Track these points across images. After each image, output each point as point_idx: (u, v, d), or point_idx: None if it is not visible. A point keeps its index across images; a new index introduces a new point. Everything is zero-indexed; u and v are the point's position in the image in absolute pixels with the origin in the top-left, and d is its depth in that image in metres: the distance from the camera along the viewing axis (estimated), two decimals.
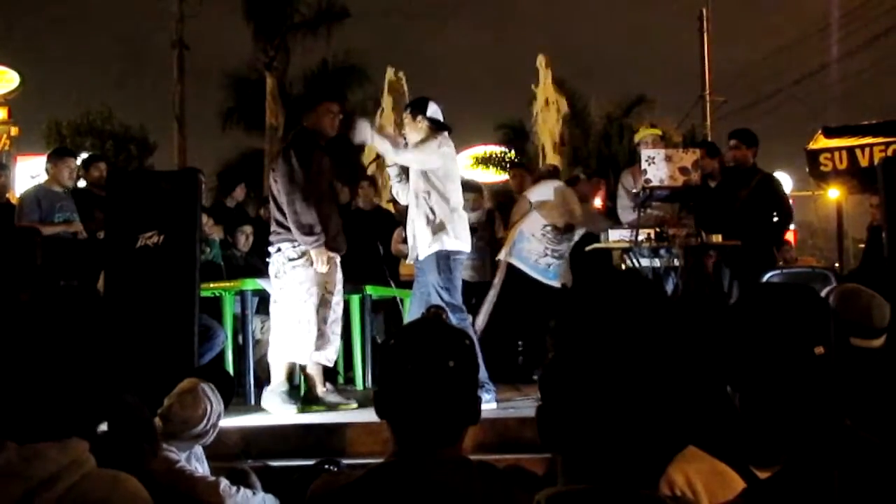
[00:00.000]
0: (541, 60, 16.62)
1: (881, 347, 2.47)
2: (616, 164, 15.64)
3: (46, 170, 6.47)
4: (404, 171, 5.02)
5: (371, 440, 3.94)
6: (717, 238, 5.70)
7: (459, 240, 4.80)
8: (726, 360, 1.52)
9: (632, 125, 16.17)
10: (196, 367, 4.27)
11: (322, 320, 4.78)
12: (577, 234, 6.19)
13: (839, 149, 8.99)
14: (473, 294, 6.05)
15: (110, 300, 4.36)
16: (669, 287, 5.72)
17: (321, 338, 4.77)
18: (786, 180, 19.21)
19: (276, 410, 4.63)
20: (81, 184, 6.80)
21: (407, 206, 5.01)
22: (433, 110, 4.91)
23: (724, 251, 5.88)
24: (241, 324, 5.43)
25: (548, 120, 16.49)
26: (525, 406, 4.55)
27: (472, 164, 18.89)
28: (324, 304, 4.80)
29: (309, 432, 4.19)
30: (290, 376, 5.06)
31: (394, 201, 6.44)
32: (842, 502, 1.21)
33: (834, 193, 11.83)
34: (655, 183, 5.37)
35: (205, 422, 3.08)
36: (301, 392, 5.06)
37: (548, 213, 6.00)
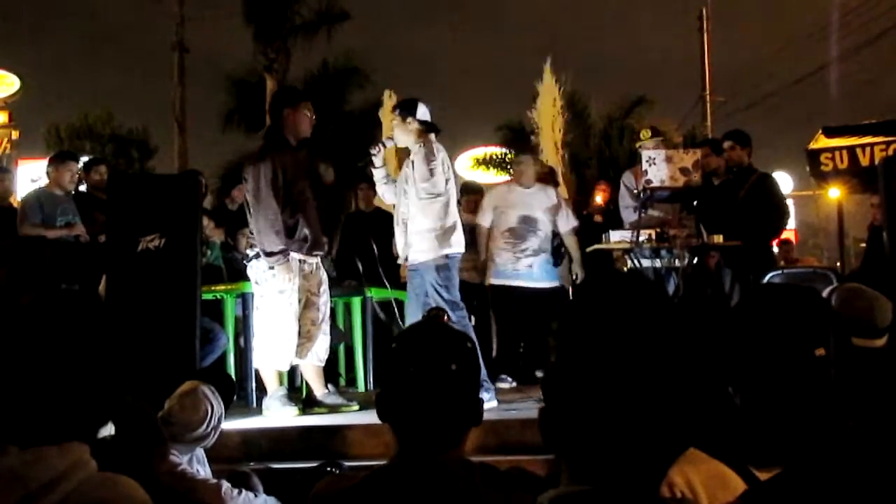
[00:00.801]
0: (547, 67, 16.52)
1: (884, 347, 2.46)
2: (617, 165, 15.61)
3: (48, 173, 6.50)
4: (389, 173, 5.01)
5: (373, 442, 3.93)
6: (719, 238, 5.70)
7: (458, 242, 4.81)
8: (728, 361, 1.52)
9: (633, 126, 16.14)
10: (197, 370, 4.27)
11: (310, 322, 4.75)
12: (549, 224, 6.19)
13: (840, 148, 8.98)
14: (473, 295, 6.03)
15: (112, 303, 4.35)
16: (671, 288, 5.72)
17: (310, 339, 4.74)
18: (786, 180, 19.21)
19: (277, 414, 4.61)
20: (82, 187, 6.81)
21: (394, 206, 4.99)
22: (423, 112, 4.86)
23: (725, 252, 5.88)
24: (242, 326, 5.43)
25: (550, 121, 16.41)
26: (527, 408, 4.52)
27: (472, 165, 18.84)
28: (309, 305, 4.77)
29: (310, 434, 4.18)
30: (291, 378, 5.05)
31: None
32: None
33: (835, 193, 11.82)
34: (656, 184, 5.38)
35: (206, 424, 3.08)
36: (302, 394, 5.05)
37: (496, 218, 6.21)
